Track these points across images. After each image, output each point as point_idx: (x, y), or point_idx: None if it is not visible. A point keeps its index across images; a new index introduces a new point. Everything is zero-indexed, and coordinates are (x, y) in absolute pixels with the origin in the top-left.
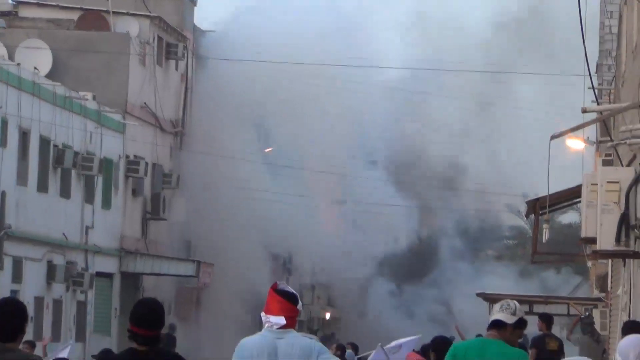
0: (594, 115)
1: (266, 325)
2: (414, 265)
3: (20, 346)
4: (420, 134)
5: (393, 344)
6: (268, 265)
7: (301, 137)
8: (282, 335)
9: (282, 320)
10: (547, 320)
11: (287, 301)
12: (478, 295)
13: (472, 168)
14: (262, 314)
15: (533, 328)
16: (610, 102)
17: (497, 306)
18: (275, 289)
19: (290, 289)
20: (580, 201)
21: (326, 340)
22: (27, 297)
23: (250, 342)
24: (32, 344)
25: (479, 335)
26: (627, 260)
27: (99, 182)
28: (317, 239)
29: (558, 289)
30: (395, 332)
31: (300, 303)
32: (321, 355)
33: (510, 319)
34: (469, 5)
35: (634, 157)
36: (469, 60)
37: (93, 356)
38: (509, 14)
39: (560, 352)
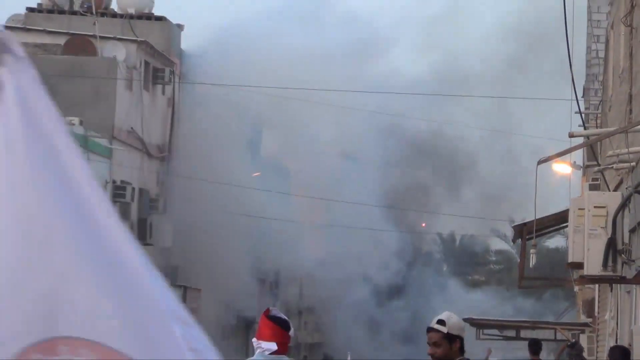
0: (581, 140)
1: (258, 350)
2: (400, 289)
3: None
4: (406, 156)
5: None
6: (255, 290)
7: (290, 161)
8: None
9: (273, 346)
10: (533, 346)
11: (279, 327)
12: (465, 320)
13: (459, 192)
14: (254, 339)
15: (523, 353)
16: (597, 127)
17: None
18: (267, 315)
19: (282, 315)
20: (567, 226)
21: None
22: None
23: None
24: None
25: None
26: (614, 285)
27: None
28: (305, 262)
29: (545, 313)
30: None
31: (292, 329)
32: None
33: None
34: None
35: (621, 181)
36: (453, 83)
37: None
38: (496, 37)
39: None
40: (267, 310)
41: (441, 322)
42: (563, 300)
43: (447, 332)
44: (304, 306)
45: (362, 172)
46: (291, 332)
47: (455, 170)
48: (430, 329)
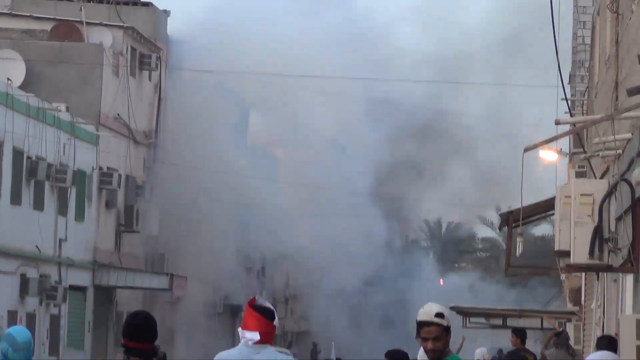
0: (567, 127)
1: (242, 340)
2: (385, 277)
3: None
4: (394, 139)
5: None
6: (242, 277)
7: (278, 148)
8: (258, 350)
9: (256, 336)
10: (520, 334)
11: (263, 317)
12: (452, 308)
13: (445, 179)
14: (239, 329)
15: (507, 342)
16: (583, 114)
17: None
18: (252, 304)
19: (267, 304)
20: (553, 214)
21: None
22: (0, 311)
23: (226, 356)
24: None
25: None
26: (600, 273)
27: (72, 194)
28: (292, 250)
29: (531, 302)
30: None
31: (276, 319)
32: None
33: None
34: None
35: (607, 169)
36: (442, 71)
37: None
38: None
39: None
40: (253, 299)
41: (440, 315)
42: (550, 289)
43: (447, 325)
44: (290, 294)
45: (350, 160)
46: (276, 322)
47: (442, 158)
48: (429, 323)
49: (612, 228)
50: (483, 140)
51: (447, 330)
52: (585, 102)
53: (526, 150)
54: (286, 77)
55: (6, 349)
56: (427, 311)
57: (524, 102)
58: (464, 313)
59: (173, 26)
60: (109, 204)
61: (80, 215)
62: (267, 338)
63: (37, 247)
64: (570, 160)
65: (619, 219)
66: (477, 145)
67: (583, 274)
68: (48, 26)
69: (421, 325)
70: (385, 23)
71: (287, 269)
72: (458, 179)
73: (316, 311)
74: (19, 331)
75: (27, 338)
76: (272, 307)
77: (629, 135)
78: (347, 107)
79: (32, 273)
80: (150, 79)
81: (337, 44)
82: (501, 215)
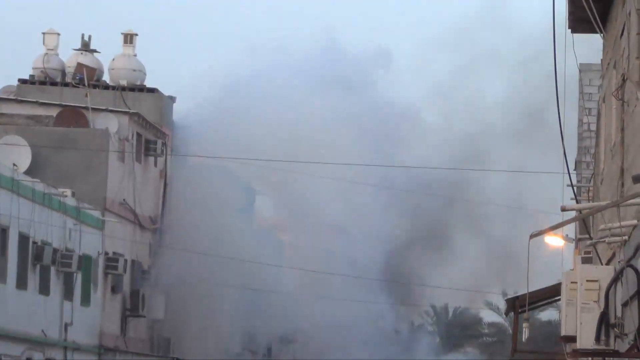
0: (573, 213)
1: None
2: None
3: None
4: (401, 228)
5: None
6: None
7: (284, 233)
8: None
9: None
10: None
11: None
12: None
13: (450, 264)
14: None
15: None
16: (589, 200)
17: None
18: None
19: None
20: (559, 299)
21: None
22: None
23: None
24: None
25: None
26: (607, 359)
27: (78, 278)
28: (298, 334)
29: None
30: None
31: None
32: None
33: None
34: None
35: (613, 255)
36: (448, 156)
37: None
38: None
39: None
40: None
41: None
42: None
43: None
44: None
45: (358, 244)
46: None
47: (448, 243)
48: None
49: (619, 314)
50: (491, 225)
51: None
52: (590, 188)
53: (532, 236)
54: (294, 163)
55: None
56: None
57: (530, 188)
58: None
59: (179, 112)
60: (115, 289)
61: (86, 299)
62: None
63: (42, 331)
64: (576, 246)
65: (625, 304)
66: (486, 231)
67: (590, 359)
68: (54, 112)
69: None
70: (397, 103)
71: (294, 352)
72: (465, 263)
73: None
74: None
75: None
76: None
77: (634, 222)
78: (355, 192)
79: (38, 357)
80: (155, 165)
81: (347, 126)
82: (507, 301)
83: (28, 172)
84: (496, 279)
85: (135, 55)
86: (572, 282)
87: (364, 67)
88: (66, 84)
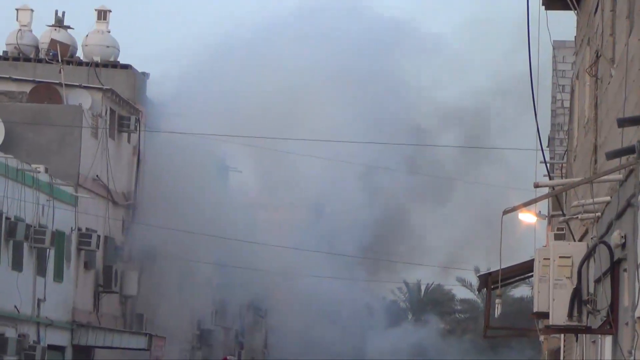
0: (546, 190)
1: None
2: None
3: None
4: (377, 203)
5: None
6: (221, 338)
7: (258, 210)
8: None
9: None
10: None
11: None
12: None
13: (426, 240)
14: None
15: None
16: (562, 176)
17: None
18: None
19: None
20: (532, 275)
21: None
22: None
23: None
24: None
25: None
26: (579, 335)
27: (51, 254)
28: (271, 311)
29: None
30: None
31: None
32: None
33: None
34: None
35: (586, 231)
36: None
37: None
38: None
39: None
40: (224, 358)
41: None
42: (528, 350)
43: None
44: (269, 354)
45: (332, 221)
46: None
47: (421, 219)
48: None
49: (591, 290)
50: (463, 201)
51: None
52: (564, 165)
53: (505, 212)
54: (270, 139)
55: None
56: None
57: (503, 163)
58: None
59: (152, 88)
60: (88, 265)
61: (59, 275)
62: None
63: (15, 307)
64: (549, 223)
65: (597, 281)
66: (458, 207)
67: (562, 335)
68: (27, 88)
69: None
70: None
71: (266, 328)
72: (438, 239)
73: None
74: None
75: None
76: None
77: (607, 199)
78: (334, 169)
79: (11, 333)
80: (129, 141)
81: (329, 88)
82: (480, 277)
83: (1, 148)
84: (469, 255)
85: (109, 32)
86: (544, 259)
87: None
88: (40, 60)
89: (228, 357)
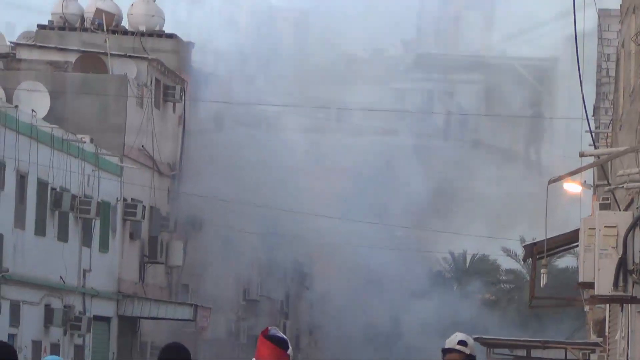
0: (591, 159)
1: None
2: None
3: None
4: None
5: None
6: (265, 309)
7: (304, 179)
8: None
9: None
10: None
11: (276, 346)
12: (476, 339)
13: (470, 211)
14: (253, 359)
15: None
16: (607, 146)
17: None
18: (265, 334)
19: (280, 334)
20: (577, 245)
21: None
22: (24, 341)
23: None
24: None
25: None
26: (624, 305)
27: (97, 225)
28: (317, 280)
29: (555, 333)
30: None
31: (290, 349)
32: None
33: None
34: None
35: (632, 201)
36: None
37: None
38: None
39: None
40: (266, 329)
41: (462, 342)
42: (573, 320)
43: (469, 353)
44: (315, 324)
45: (377, 191)
46: (289, 352)
47: (468, 189)
48: (450, 350)
49: (637, 260)
50: (507, 171)
51: (469, 358)
52: (609, 134)
53: (550, 182)
54: (316, 109)
55: None
56: (452, 339)
57: (549, 133)
58: (488, 344)
59: (197, 58)
60: (133, 235)
61: (104, 246)
62: None
63: (61, 277)
64: (594, 193)
65: None
66: (503, 177)
67: (607, 305)
68: (73, 58)
69: (444, 352)
70: None
71: (311, 299)
72: (484, 210)
73: (341, 342)
74: None
75: None
76: (285, 337)
77: None
78: (383, 139)
79: (57, 303)
80: (174, 111)
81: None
82: (525, 247)
83: (47, 118)
84: (514, 225)
85: (154, 1)
86: (590, 229)
87: None
88: (85, 30)
89: (270, 328)
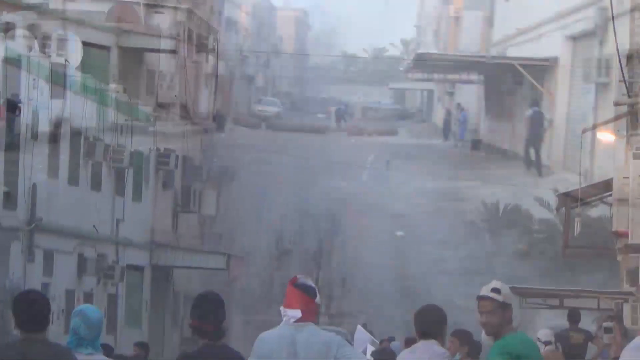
0: (625, 109)
1: (284, 319)
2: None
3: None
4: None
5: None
6: (298, 258)
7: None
8: (301, 328)
9: (298, 314)
10: (573, 316)
11: (304, 294)
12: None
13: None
14: (281, 307)
15: (565, 322)
16: None
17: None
18: (293, 283)
19: (309, 282)
20: (611, 195)
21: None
22: (58, 290)
23: (269, 336)
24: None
25: None
26: None
27: (130, 174)
28: (349, 231)
29: (587, 282)
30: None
31: (318, 296)
32: (341, 348)
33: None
34: None
35: None
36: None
37: None
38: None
39: (585, 345)
40: (295, 278)
41: (496, 290)
42: (606, 269)
43: (502, 301)
44: (347, 273)
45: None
46: (317, 299)
47: (500, 138)
48: (484, 297)
49: None
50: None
51: (503, 306)
52: None
53: (584, 131)
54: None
55: (79, 326)
56: (487, 287)
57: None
58: (521, 293)
59: (229, 8)
60: (166, 185)
61: (137, 195)
62: (309, 316)
63: (94, 227)
64: (627, 142)
65: None
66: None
67: None
68: (105, 8)
69: (479, 299)
70: None
71: (344, 252)
72: (516, 161)
73: (373, 292)
74: (91, 309)
75: (99, 316)
76: (313, 285)
77: None
78: None
79: (90, 253)
80: (207, 61)
81: None
82: (559, 197)
83: (80, 68)
84: (547, 175)
85: None
86: (624, 178)
87: None
88: None
89: (298, 277)
